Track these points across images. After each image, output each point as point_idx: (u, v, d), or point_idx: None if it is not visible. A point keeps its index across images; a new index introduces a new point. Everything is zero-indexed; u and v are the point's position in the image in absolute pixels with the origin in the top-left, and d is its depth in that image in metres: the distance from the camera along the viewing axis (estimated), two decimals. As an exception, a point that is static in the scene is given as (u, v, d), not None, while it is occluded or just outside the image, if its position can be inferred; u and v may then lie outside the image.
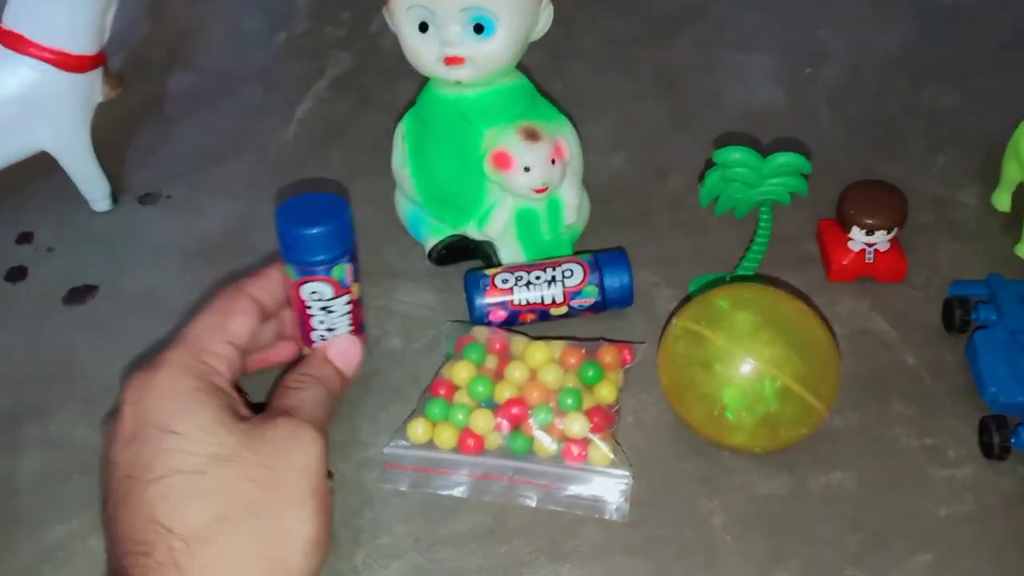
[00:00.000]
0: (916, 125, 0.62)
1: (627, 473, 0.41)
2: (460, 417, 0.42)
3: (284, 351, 0.45)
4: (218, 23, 0.76)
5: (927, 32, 0.71)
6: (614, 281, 0.47)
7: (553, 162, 0.46)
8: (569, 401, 0.42)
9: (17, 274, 0.53)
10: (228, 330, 0.39)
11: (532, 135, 0.46)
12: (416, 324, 0.49)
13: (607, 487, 0.41)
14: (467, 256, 0.51)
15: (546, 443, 0.42)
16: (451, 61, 0.45)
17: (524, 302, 0.47)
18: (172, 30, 0.75)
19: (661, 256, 0.52)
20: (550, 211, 0.49)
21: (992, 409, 0.43)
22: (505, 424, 0.42)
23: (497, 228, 0.48)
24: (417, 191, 0.51)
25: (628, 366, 0.45)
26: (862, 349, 0.47)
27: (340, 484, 0.42)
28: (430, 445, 0.42)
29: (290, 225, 0.39)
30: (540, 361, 0.44)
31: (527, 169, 0.46)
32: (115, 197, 0.57)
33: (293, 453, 0.36)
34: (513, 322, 0.48)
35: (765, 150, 0.51)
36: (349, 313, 0.42)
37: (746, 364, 0.39)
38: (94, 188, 0.56)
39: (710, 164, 0.52)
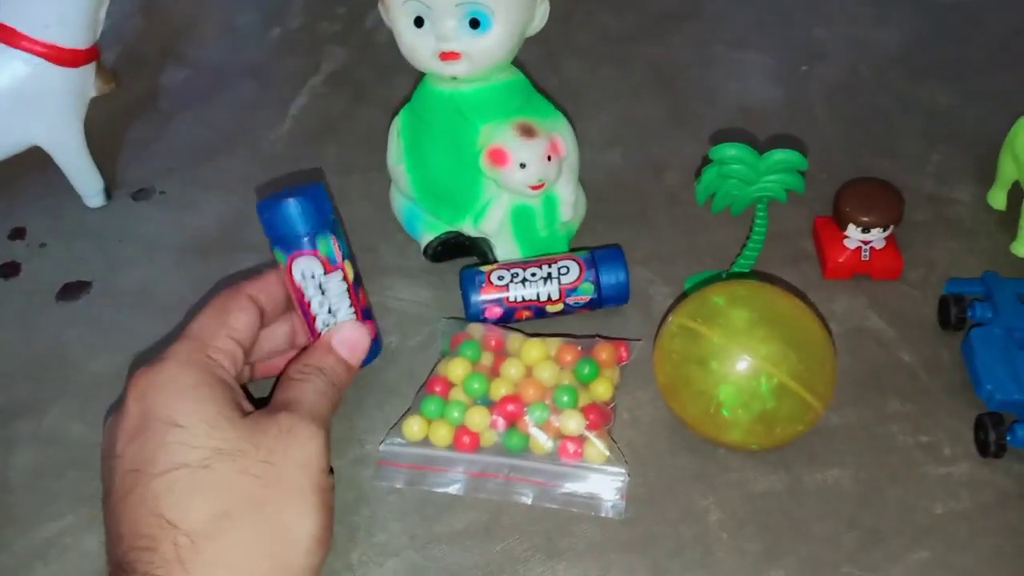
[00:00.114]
0: (913, 123, 0.62)
1: (623, 470, 0.41)
2: (456, 414, 0.42)
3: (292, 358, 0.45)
4: (212, 18, 0.75)
5: (924, 30, 0.71)
6: (610, 278, 0.47)
7: (549, 158, 0.46)
8: (565, 398, 0.42)
9: (10, 270, 0.53)
10: (230, 325, 0.39)
11: (528, 131, 0.46)
12: (411, 321, 0.49)
13: (603, 484, 0.41)
14: (463, 253, 0.51)
15: (542, 440, 0.42)
16: (447, 56, 0.45)
17: (520, 299, 0.47)
18: (166, 25, 0.74)
19: (657, 253, 0.52)
20: (546, 208, 0.49)
21: (988, 407, 0.43)
22: (501, 421, 0.42)
23: (493, 225, 0.48)
24: (412, 187, 0.51)
25: (624, 363, 0.45)
26: (858, 346, 0.47)
27: (336, 481, 0.41)
28: (426, 442, 0.42)
29: (267, 203, 0.40)
30: (536, 358, 0.44)
31: (523, 165, 0.46)
32: (108, 193, 0.57)
33: (293, 449, 0.35)
34: (509, 319, 0.47)
35: (762, 147, 0.51)
36: (347, 293, 0.42)
37: (742, 361, 0.39)
38: (87, 183, 0.56)
39: (706, 161, 0.52)
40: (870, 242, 0.50)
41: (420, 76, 0.48)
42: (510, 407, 0.42)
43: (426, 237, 0.51)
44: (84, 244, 0.54)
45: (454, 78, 0.46)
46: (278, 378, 0.40)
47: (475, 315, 0.47)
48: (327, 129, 0.63)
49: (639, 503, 0.41)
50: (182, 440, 0.34)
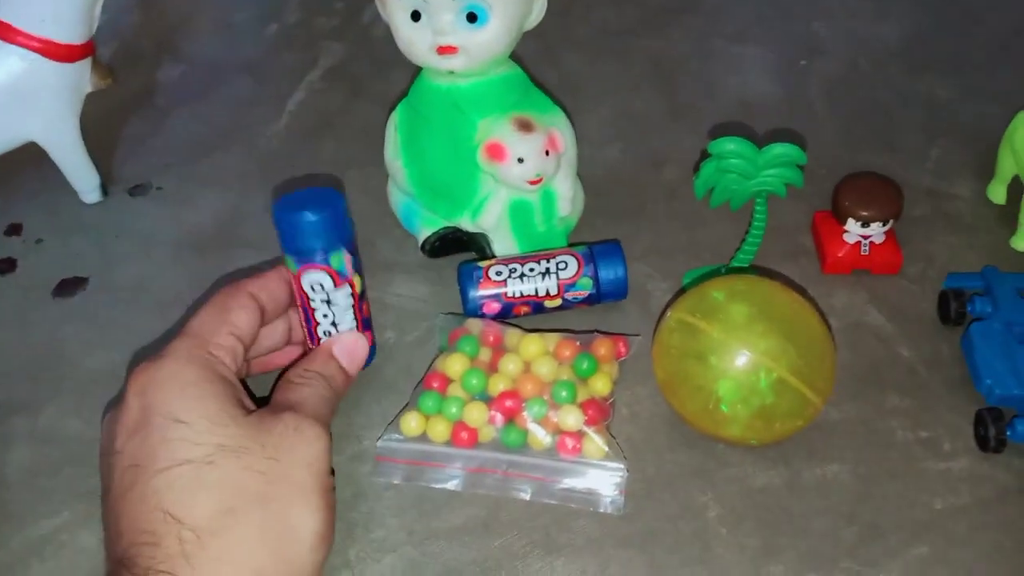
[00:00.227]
0: (912, 117, 0.62)
1: (621, 466, 0.41)
2: (454, 410, 0.42)
3: (289, 355, 0.45)
4: (209, 13, 0.75)
5: (924, 24, 0.71)
6: (609, 273, 0.47)
7: (547, 153, 0.46)
8: (563, 394, 0.42)
9: (6, 266, 0.53)
10: (230, 322, 0.39)
11: (526, 126, 0.46)
12: (409, 317, 0.49)
13: (601, 480, 0.41)
14: (461, 248, 0.51)
15: (540, 436, 0.41)
16: (444, 50, 0.44)
17: (518, 294, 0.47)
18: (162, 20, 0.74)
19: (656, 248, 0.52)
20: (544, 203, 0.48)
21: (988, 402, 0.43)
22: (499, 417, 0.42)
23: (491, 220, 0.48)
24: (410, 182, 0.50)
25: (623, 359, 0.45)
26: (857, 342, 0.47)
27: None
28: (423, 438, 0.42)
29: (285, 213, 0.40)
30: (534, 354, 0.43)
31: (521, 160, 0.45)
32: (105, 189, 0.57)
33: (299, 448, 0.36)
34: (507, 314, 0.47)
35: (761, 141, 0.51)
36: (352, 307, 0.42)
37: (741, 356, 0.39)
38: (83, 179, 0.56)
39: (705, 155, 0.52)
40: (869, 237, 0.49)
41: (417, 71, 0.48)
42: (508, 403, 0.42)
43: (424, 232, 0.51)
44: (80, 240, 0.54)
45: (451, 72, 0.46)
46: (278, 378, 0.41)
47: (473, 310, 0.47)
48: (324, 125, 0.63)
49: (638, 499, 0.40)
50: (185, 436, 0.34)
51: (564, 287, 0.47)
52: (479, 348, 0.44)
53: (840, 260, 0.50)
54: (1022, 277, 0.47)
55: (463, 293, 0.47)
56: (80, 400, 0.45)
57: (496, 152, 0.46)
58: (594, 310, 0.48)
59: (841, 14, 0.72)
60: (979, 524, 0.39)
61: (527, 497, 0.40)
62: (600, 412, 0.42)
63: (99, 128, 0.57)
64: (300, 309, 0.42)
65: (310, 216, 0.39)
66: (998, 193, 0.55)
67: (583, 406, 0.42)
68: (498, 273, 0.47)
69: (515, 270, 0.47)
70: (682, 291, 0.49)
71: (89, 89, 0.54)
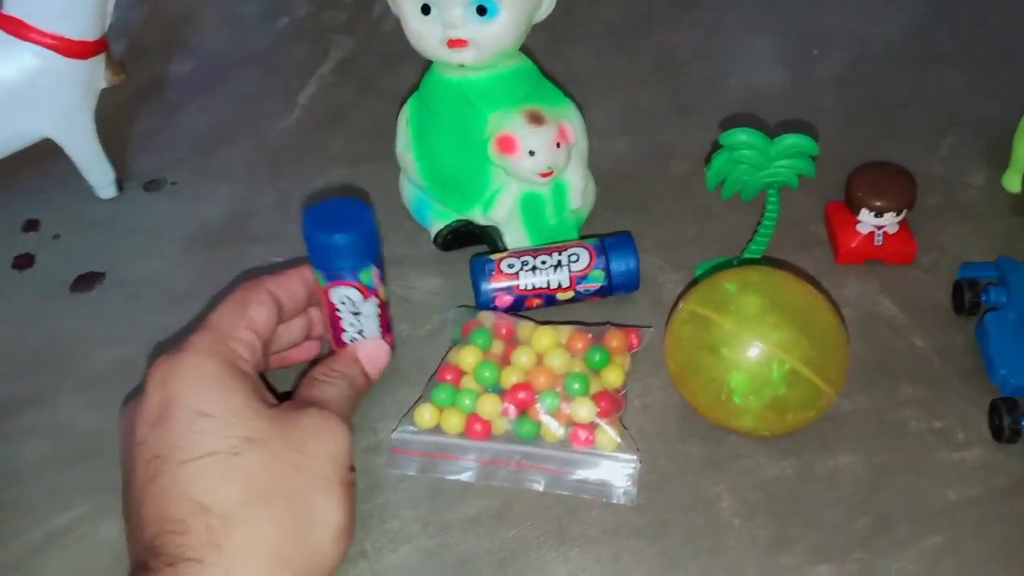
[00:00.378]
0: (923, 107, 0.61)
1: (634, 457, 0.41)
2: (467, 402, 0.42)
3: (307, 350, 0.45)
4: (218, 7, 0.75)
5: (934, 13, 0.70)
6: (620, 265, 0.47)
7: (558, 146, 0.46)
8: (576, 386, 0.42)
9: (24, 262, 0.53)
10: (249, 317, 0.39)
11: (536, 118, 0.46)
12: (422, 310, 0.49)
13: (614, 471, 0.41)
14: (472, 241, 0.51)
15: (553, 428, 0.42)
16: (454, 44, 0.44)
17: (530, 287, 0.47)
18: (172, 15, 0.74)
19: (667, 240, 0.52)
20: (555, 195, 0.48)
21: (1002, 392, 0.43)
22: (512, 409, 0.42)
23: (502, 213, 0.48)
24: (421, 176, 0.50)
25: (635, 350, 0.45)
26: (870, 332, 0.47)
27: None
28: (437, 430, 0.42)
29: (318, 232, 0.40)
30: (547, 346, 0.44)
31: (532, 153, 0.45)
32: (120, 184, 0.57)
33: (325, 441, 0.36)
34: (519, 307, 0.47)
35: (771, 132, 0.51)
36: (378, 315, 0.43)
37: (753, 348, 0.39)
38: (99, 175, 0.56)
39: (716, 147, 0.52)
40: (883, 227, 0.49)
41: (428, 64, 0.48)
42: (521, 395, 0.42)
43: (436, 226, 0.51)
44: (97, 235, 0.54)
45: (461, 66, 0.46)
46: (301, 375, 0.41)
47: (485, 303, 0.47)
48: (335, 118, 0.63)
49: (650, 490, 0.41)
50: (210, 429, 0.34)
51: (576, 279, 0.47)
52: (492, 341, 0.44)
53: (853, 250, 0.50)
54: (1036, 266, 0.47)
55: (475, 286, 0.47)
56: (96, 394, 0.45)
57: (507, 145, 0.46)
58: (606, 302, 0.48)
59: (851, 3, 0.71)
60: (992, 515, 0.39)
61: (540, 488, 0.41)
62: (612, 404, 0.42)
63: (111, 123, 0.57)
64: (327, 317, 0.43)
65: (342, 238, 0.40)
66: (1013, 182, 0.54)
67: (595, 398, 0.42)
68: (510, 266, 0.47)
69: (527, 263, 0.47)
70: (694, 283, 0.49)
71: (103, 85, 0.54)
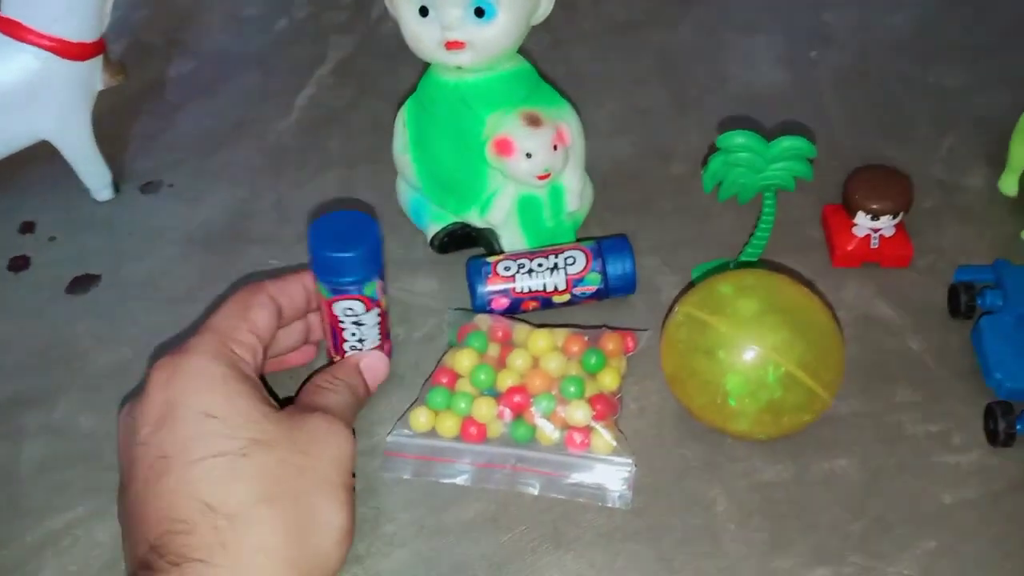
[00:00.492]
0: (922, 108, 0.61)
1: (630, 460, 0.41)
2: (462, 405, 0.42)
3: (304, 355, 0.46)
4: (218, 8, 0.75)
5: (934, 14, 0.70)
6: (617, 268, 0.47)
7: (555, 148, 0.46)
8: (571, 389, 0.42)
9: (20, 263, 0.53)
10: (251, 320, 0.39)
11: (534, 121, 0.46)
12: (418, 312, 0.49)
13: (610, 475, 0.41)
14: (469, 244, 0.51)
15: (548, 431, 0.42)
16: (452, 46, 0.44)
17: (526, 290, 0.47)
18: (172, 15, 0.74)
19: (664, 243, 0.52)
20: (552, 198, 0.48)
21: (998, 395, 0.43)
22: (507, 412, 0.42)
23: (499, 215, 0.48)
24: (418, 178, 0.50)
25: (631, 353, 0.45)
26: (867, 335, 0.47)
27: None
28: (432, 434, 0.42)
29: (323, 248, 0.40)
30: (542, 349, 0.44)
31: (529, 155, 0.45)
32: (117, 185, 0.57)
33: (330, 445, 0.37)
34: (515, 310, 0.47)
35: (769, 134, 0.51)
36: (379, 325, 0.43)
37: (749, 351, 0.39)
38: (95, 177, 0.56)
39: (713, 149, 0.52)
40: (879, 229, 0.49)
41: (426, 66, 0.48)
42: (517, 398, 0.42)
43: (432, 228, 0.51)
44: (93, 237, 0.54)
45: (459, 68, 0.46)
46: (304, 383, 0.42)
47: (482, 306, 0.47)
48: (333, 120, 0.63)
49: (646, 493, 0.41)
50: (217, 431, 0.34)
51: (572, 282, 0.47)
52: (488, 344, 0.44)
53: (850, 253, 0.50)
54: (1034, 270, 0.47)
55: (471, 289, 0.47)
56: (94, 395, 0.45)
57: (504, 147, 0.46)
58: (602, 305, 0.48)
59: (851, 3, 0.71)
60: (988, 518, 0.39)
61: (536, 492, 0.41)
62: (608, 407, 0.42)
63: (110, 124, 0.57)
64: (328, 326, 0.43)
65: (349, 256, 0.40)
66: (1010, 184, 0.54)
67: (591, 401, 0.42)
68: (506, 269, 0.47)
69: (523, 265, 0.47)
70: (690, 285, 0.49)
71: (100, 87, 0.54)
